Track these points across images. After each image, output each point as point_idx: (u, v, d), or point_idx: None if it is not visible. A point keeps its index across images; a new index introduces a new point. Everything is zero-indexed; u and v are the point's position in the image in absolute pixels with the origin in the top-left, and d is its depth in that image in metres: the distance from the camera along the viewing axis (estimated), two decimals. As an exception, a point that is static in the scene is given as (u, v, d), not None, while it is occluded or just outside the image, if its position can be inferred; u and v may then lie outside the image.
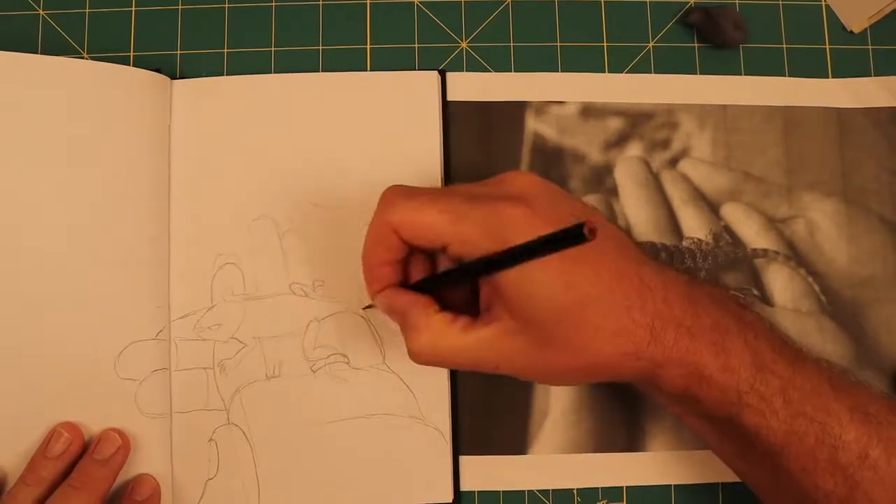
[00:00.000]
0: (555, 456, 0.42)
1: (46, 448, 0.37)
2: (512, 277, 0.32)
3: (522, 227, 0.31)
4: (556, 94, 0.45)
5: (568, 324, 0.32)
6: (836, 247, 0.44)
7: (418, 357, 0.34)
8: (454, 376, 0.42)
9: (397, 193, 0.35)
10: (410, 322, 0.34)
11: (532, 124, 0.44)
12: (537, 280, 0.32)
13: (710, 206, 0.44)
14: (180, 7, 0.45)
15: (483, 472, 0.42)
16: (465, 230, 0.32)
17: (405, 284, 0.36)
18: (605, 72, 0.45)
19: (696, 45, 0.45)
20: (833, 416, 0.32)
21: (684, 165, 0.44)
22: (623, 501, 0.42)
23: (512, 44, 0.45)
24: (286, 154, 0.43)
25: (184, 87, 0.43)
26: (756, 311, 0.35)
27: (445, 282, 0.35)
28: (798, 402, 0.33)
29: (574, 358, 0.33)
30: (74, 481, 0.37)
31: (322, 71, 0.44)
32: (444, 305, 0.35)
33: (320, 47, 0.45)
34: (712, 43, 0.45)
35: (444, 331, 0.34)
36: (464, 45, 0.45)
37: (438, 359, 0.34)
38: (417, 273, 0.37)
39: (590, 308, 0.32)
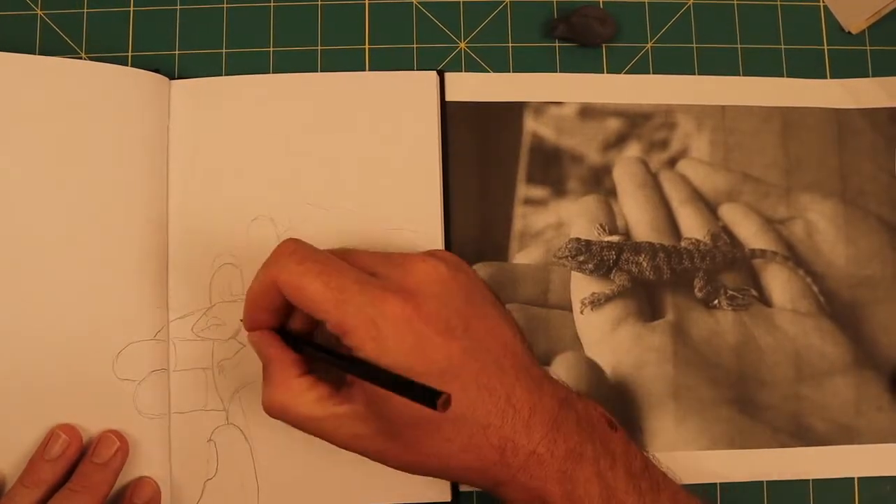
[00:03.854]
0: (553, 456, 0.42)
1: (44, 450, 0.37)
2: None
3: (401, 328, 0.31)
4: (554, 94, 0.45)
5: (418, 430, 0.32)
6: (834, 247, 0.44)
7: (268, 412, 0.34)
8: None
9: (289, 251, 0.34)
10: (269, 376, 0.35)
11: (530, 125, 0.44)
12: None
13: (709, 207, 0.44)
14: (178, 7, 0.45)
15: (482, 472, 0.41)
16: (344, 315, 0.32)
17: (282, 329, 0.36)
18: (603, 72, 0.45)
19: (694, 45, 0.45)
20: None
21: (683, 166, 0.45)
22: (621, 502, 0.42)
23: (510, 44, 0.45)
24: (285, 154, 0.43)
25: (182, 88, 0.43)
26: (623, 433, 0.35)
27: (313, 354, 0.35)
28: None
29: (419, 460, 0.33)
30: (74, 485, 0.37)
31: (321, 71, 0.44)
32: (315, 365, 0.35)
33: (319, 47, 0.45)
34: (587, 46, 0.45)
35: (298, 396, 0.34)
36: (462, 45, 0.45)
37: (287, 420, 0.34)
38: (298, 320, 0.36)
39: (445, 421, 0.32)
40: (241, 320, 0.37)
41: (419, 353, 0.32)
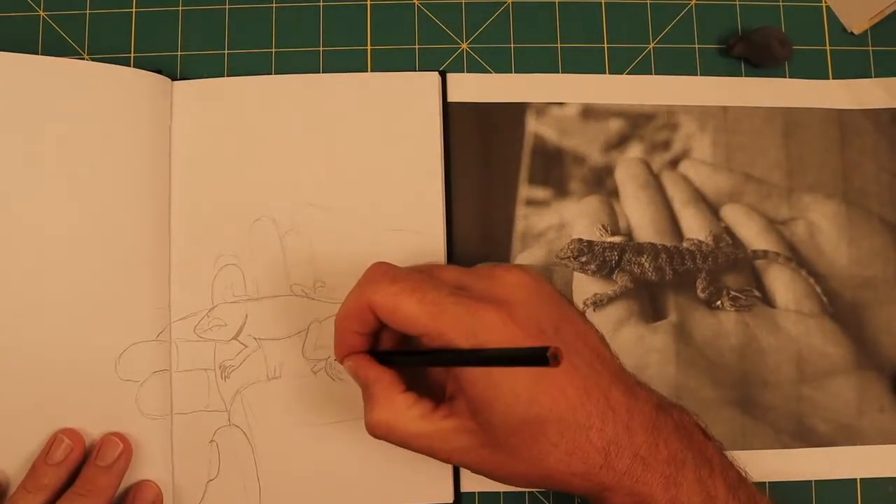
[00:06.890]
0: (555, 457, 0.42)
1: (48, 455, 0.37)
2: (478, 379, 0.32)
3: (498, 334, 0.32)
4: (556, 95, 0.45)
5: (523, 436, 0.32)
6: (836, 248, 0.44)
7: (373, 432, 0.35)
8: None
9: (381, 273, 0.35)
10: (371, 396, 0.35)
11: (532, 125, 0.44)
12: (502, 388, 0.32)
13: (711, 208, 0.44)
14: (181, 8, 0.45)
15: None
16: (442, 326, 0.32)
17: (374, 351, 0.37)
18: (605, 73, 0.45)
19: (696, 46, 0.45)
20: None
21: (685, 167, 0.45)
22: (623, 502, 0.42)
23: (512, 45, 0.45)
24: (287, 155, 0.43)
25: (184, 89, 0.43)
26: (718, 443, 0.35)
27: (412, 362, 0.35)
28: None
29: (524, 468, 0.33)
30: (80, 489, 0.37)
31: (323, 72, 0.44)
32: (412, 383, 0.35)
33: (321, 48, 0.45)
34: (762, 66, 0.45)
35: (402, 414, 0.34)
36: (464, 46, 0.45)
37: (392, 439, 0.34)
38: (387, 341, 0.37)
39: (548, 425, 0.32)
40: (333, 351, 0.37)
41: None
